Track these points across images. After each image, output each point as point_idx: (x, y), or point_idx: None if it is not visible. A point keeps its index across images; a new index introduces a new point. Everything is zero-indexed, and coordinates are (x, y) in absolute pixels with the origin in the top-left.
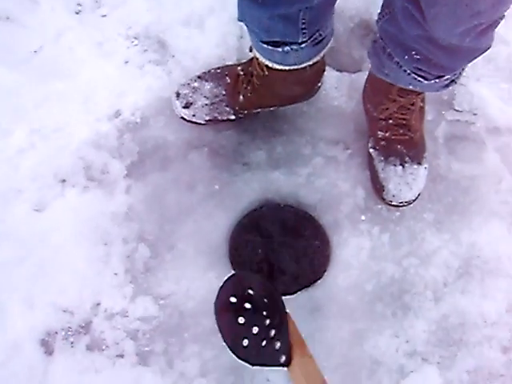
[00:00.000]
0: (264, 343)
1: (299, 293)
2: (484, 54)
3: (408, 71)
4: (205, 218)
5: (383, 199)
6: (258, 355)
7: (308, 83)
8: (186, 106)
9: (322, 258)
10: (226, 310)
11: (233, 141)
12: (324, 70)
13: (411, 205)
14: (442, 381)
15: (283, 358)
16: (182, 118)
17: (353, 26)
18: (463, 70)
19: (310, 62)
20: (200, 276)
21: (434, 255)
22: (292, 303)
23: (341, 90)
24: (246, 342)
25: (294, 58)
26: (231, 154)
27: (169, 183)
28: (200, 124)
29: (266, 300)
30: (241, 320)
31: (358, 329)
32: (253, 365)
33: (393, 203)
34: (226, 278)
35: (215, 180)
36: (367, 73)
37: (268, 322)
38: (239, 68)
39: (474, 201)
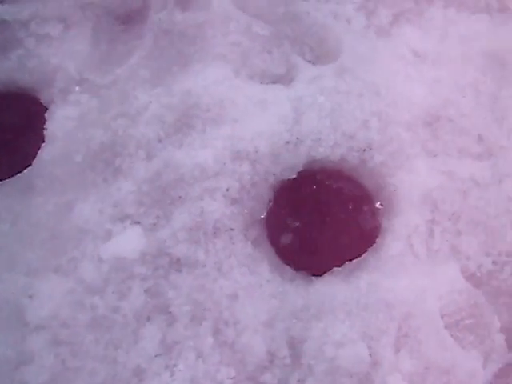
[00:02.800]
0: None
1: (20, 175)
2: None
3: None
4: None
5: None
6: None
7: None
8: None
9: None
10: None
11: None
12: None
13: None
14: (147, 240)
15: None
16: None
17: None
18: None
19: None
20: None
21: (145, 112)
22: (7, 188)
23: None
24: None
25: None
26: None
27: None
28: None
29: None
30: None
31: (65, 201)
32: None
33: None
34: None
35: None
36: None
37: None
38: None
39: (200, 49)
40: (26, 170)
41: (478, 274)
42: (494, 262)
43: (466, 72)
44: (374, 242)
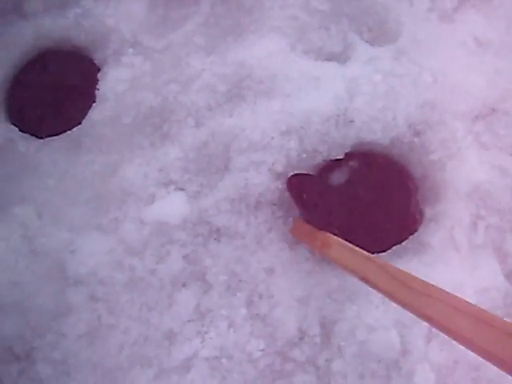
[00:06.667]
0: None
1: (69, 132)
2: None
3: None
4: None
5: None
6: None
7: None
8: None
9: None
10: None
11: None
12: None
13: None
14: (190, 207)
15: None
16: None
17: None
18: None
19: None
20: None
21: (197, 79)
22: (56, 144)
23: None
24: None
25: None
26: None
27: None
28: None
29: None
30: None
31: (111, 161)
32: None
33: None
34: None
35: None
36: None
37: None
38: None
39: (256, 20)
40: (75, 129)
41: None
42: None
43: None
44: (416, 231)
